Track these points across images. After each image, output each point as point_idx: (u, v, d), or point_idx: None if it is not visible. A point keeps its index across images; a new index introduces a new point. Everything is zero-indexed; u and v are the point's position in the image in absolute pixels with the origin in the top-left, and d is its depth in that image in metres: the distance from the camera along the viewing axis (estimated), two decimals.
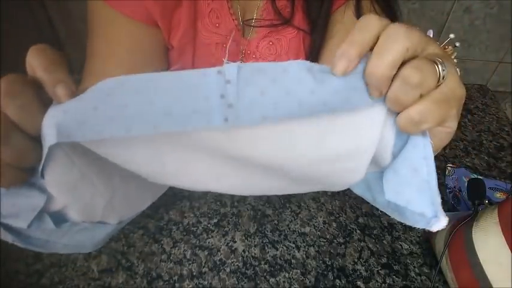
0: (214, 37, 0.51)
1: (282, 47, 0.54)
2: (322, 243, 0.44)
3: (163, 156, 0.26)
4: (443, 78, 0.22)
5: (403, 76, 0.21)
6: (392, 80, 0.22)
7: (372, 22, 0.22)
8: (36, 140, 0.23)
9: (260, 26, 0.52)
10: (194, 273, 0.40)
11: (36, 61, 0.23)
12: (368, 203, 0.51)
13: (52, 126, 0.21)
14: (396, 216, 0.27)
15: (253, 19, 0.52)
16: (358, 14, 0.48)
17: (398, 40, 0.21)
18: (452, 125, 0.25)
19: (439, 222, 0.24)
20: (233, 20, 0.51)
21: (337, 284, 0.40)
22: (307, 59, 0.61)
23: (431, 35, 0.30)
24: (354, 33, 0.22)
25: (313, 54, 0.53)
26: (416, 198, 0.25)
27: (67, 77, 0.23)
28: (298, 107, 0.22)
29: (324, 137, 0.25)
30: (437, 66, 0.22)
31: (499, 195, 0.51)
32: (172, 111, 0.21)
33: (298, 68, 0.22)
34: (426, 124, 0.23)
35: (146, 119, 0.21)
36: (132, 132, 0.21)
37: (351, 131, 0.24)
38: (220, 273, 0.40)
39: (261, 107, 0.22)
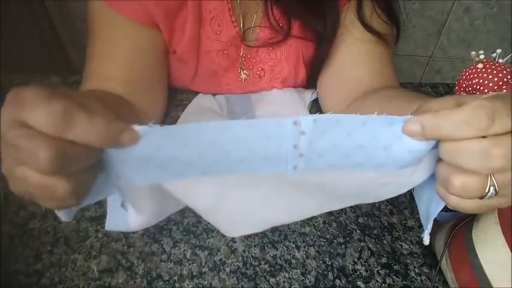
0: (215, 44, 0.51)
1: (282, 53, 0.54)
2: (322, 243, 0.44)
3: (224, 193, 0.27)
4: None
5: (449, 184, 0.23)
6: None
7: (478, 125, 0.20)
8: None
9: (259, 46, 0.53)
10: (194, 273, 0.40)
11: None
12: (368, 202, 0.50)
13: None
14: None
15: (252, 27, 0.52)
16: (360, 14, 0.48)
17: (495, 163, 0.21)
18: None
19: (425, 239, 0.29)
20: (234, 27, 0.51)
21: (337, 284, 0.40)
22: (306, 64, 0.61)
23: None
24: (454, 117, 0.21)
25: (319, 60, 0.53)
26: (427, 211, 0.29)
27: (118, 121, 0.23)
28: (367, 160, 0.23)
29: (382, 178, 0.26)
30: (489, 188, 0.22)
31: None
32: (246, 158, 0.23)
33: (378, 122, 0.22)
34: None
35: (223, 164, 0.23)
36: (208, 174, 0.23)
37: (407, 178, 0.26)
38: (220, 273, 0.40)
39: (331, 158, 0.23)
